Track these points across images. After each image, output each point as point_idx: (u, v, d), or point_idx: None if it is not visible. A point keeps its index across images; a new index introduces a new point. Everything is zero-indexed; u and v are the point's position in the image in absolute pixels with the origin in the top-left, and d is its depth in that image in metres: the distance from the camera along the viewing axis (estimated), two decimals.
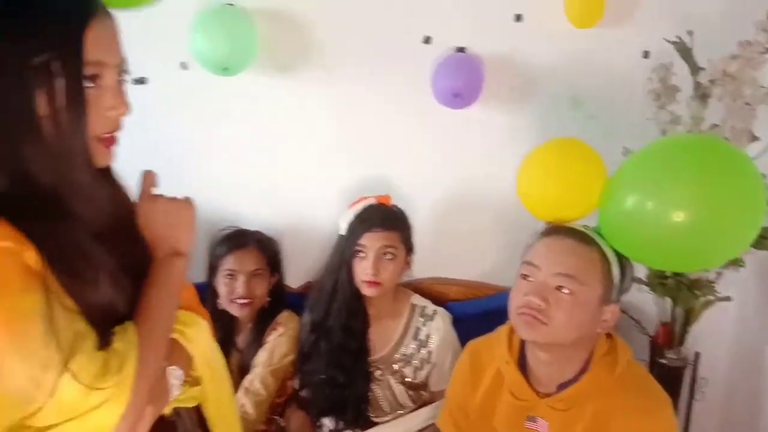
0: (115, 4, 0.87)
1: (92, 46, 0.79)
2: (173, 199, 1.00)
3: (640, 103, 1.72)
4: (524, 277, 1.25)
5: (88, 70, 0.79)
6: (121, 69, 0.85)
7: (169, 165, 1.86)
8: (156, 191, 1.00)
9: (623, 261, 1.26)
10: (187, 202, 1.01)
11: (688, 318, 1.70)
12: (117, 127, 0.87)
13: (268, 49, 1.82)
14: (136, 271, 0.93)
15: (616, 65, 1.75)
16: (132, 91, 1.89)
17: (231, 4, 1.78)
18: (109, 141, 0.86)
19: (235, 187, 1.98)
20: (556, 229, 1.29)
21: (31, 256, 0.76)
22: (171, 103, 1.90)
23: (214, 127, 1.92)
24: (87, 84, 0.79)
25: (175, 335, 0.98)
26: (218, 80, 1.79)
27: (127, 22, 1.78)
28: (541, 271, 1.22)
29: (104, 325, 0.83)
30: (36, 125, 0.77)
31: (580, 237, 1.24)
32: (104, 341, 0.82)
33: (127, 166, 1.97)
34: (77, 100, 0.79)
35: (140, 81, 1.85)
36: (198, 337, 1.02)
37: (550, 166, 1.32)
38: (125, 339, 0.84)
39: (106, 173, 0.93)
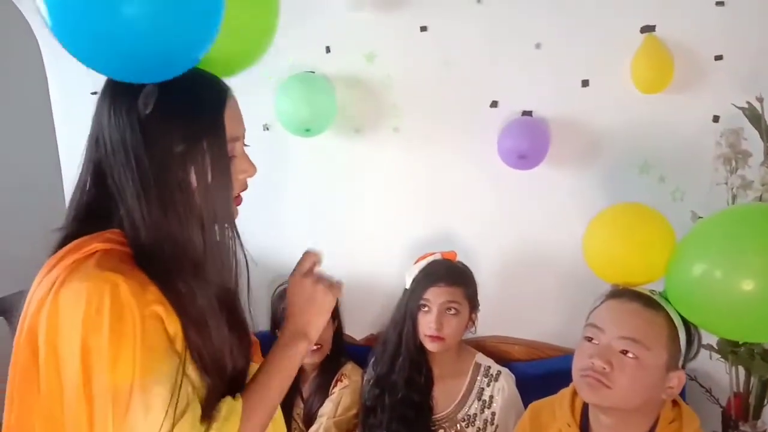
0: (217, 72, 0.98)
1: (228, 125, 0.92)
2: (319, 283, 1.05)
3: (709, 169, 1.71)
4: (588, 339, 1.26)
5: (229, 145, 0.92)
6: (244, 137, 0.99)
7: (241, 215, 2.03)
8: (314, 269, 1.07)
9: (690, 327, 1.25)
10: (331, 289, 1.06)
11: (764, 389, 1.63)
12: (245, 187, 1.00)
13: (345, 113, 1.93)
14: (239, 336, 1.00)
15: (684, 130, 1.76)
16: None
17: (312, 72, 1.91)
18: (238, 199, 0.99)
19: (305, 238, 2.06)
20: (622, 292, 1.29)
21: (172, 322, 0.86)
22: (254, 160, 2.02)
23: (291, 182, 2.03)
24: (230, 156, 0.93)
25: None
26: (297, 141, 1.91)
27: None
28: (605, 333, 1.23)
29: (215, 389, 0.91)
30: (191, 196, 0.89)
31: (646, 301, 1.24)
32: (208, 411, 0.88)
33: None
34: (225, 173, 0.91)
35: None
36: None
37: (618, 229, 1.33)
38: (226, 416, 0.89)
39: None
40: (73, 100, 2.13)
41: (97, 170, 0.92)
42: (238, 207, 0.99)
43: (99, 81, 1.91)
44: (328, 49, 1.92)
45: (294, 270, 1.07)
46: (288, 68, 1.93)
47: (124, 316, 0.82)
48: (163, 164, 0.88)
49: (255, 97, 1.95)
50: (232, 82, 1.93)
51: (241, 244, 1.00)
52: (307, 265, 1.08)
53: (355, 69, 1.92)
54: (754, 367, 1.59)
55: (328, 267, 1.98)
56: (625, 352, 1.20)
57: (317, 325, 1.04)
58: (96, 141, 0.92)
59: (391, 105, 1.93)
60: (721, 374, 1.68)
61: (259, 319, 1.96)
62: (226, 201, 0.93)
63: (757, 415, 1.64)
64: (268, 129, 2.00)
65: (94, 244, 0.88)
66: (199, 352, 0.89)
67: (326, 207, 2.03)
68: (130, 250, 0.89)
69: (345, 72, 1.92)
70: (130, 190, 0.88)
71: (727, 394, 1.69)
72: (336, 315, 1.93)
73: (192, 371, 0.88)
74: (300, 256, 1.98)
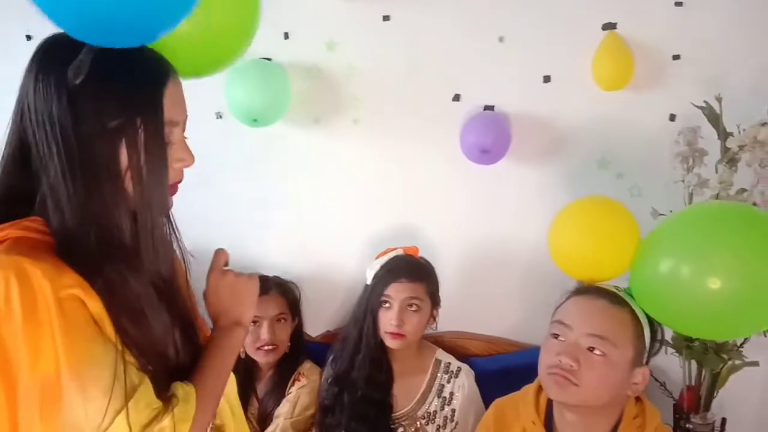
0: (183, 74, 0.93)
1: (167, 106, 0.86)
2: (240, 275, 1.05)
3: (666, 166, 1.74)
4: (555, 336, 1.25)
5: (166, 129, 0.86)
6: (185, 125, 0.92)
7: (194, 208, 1.95)
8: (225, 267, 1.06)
9: (654, 324, 1.26)
10: (252, 279, 1.07)
11: (715, 382, 1.67)
12: (181, 177, 0.93)
13: (303, 102, 1.87)
14: (181, 324, 0.96)
15: (642, 127, 1.78)
16: None
17: (268, 59, 1.84)
18: (173, 189, 0.92)
19: (259, 232, 2.00)
20: (588, 289, 1.29)
21: (95, 305, 0.79)
22: (204, 150, 1.93)
23: (243, 174, 1.96)
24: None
25: None
26: (251, 130, 1.84)
27: None
28: (572, 331, 1.22)
29: (158, 377, 0.85)
30: (121, 178, 0.83)
31: (613, 298, 1.24)
32: (160, 395, 0.84)
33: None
34: (160, 155, 0.85)
35: None
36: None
37: (584, 224, 1.33)
38: (185, 398, 0.86)
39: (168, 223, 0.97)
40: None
41: (20, 147, 0.84)
42: (173, 197, 0.93)
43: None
44: (286, 36, 1.85)
45: (211, 269, 1.05)
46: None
47: (37, 301, 0.75)
48: (91, 140, 0.81)
49: (209, 82, 1.87)
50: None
51: (177, 234, 0.97)
52: (221, 262, 1.06)
53: (314, 57, 1.86)
54: (706, 361, 1.62)
55: (284, 262, 1.95)
56: (592, 349, 1.20)
57: (248, 313, 1.04)
58: (20, 115, 0.84)
59: (352, 96, 1.88)
60: (674, 368, 1.72)
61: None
62: (160, 186, 0.87)
63: (707, 407, 1.69)
64: (221, 117, 1.92)
65: (7, 230, 0.81)
66: (136, 341, 0.83)
67: (283, 199, 1.97)
68: (51, 239, 0.82)
69: (304, 60, 1.86)
70: (54, 167, 0.81)
71: (679, 387, 1.73)
72: (296, 313, 1.88)
73: (130, 360, 0.82)
74: (253, 249, 1.95)
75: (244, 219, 1.99)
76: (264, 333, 1.77)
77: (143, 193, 0.84)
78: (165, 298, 0.91)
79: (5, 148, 0.86)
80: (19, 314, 0.75)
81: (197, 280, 1.99)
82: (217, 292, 1.03)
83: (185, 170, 0.94)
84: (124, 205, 0.84)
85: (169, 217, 0.94)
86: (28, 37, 1.90)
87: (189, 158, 0.93)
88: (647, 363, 1.25)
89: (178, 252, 0.98)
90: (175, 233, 0.96)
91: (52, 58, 0.82)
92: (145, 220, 0.86)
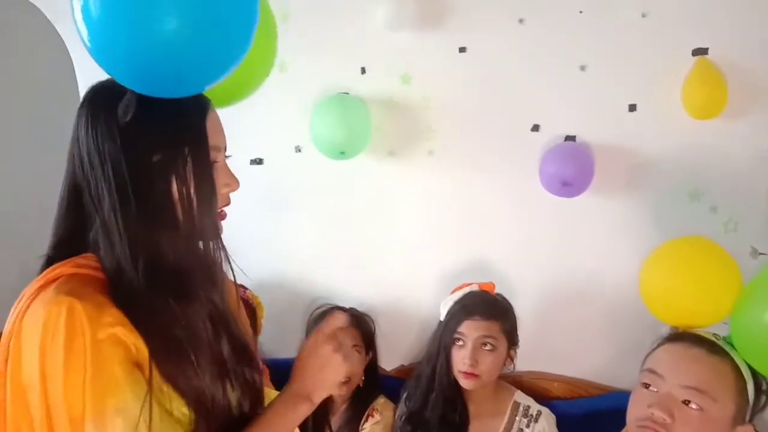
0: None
1: (210, 134, 0.88)
2: (340, 351, 0.97)
3: (765, 199, 1.62)
4: (645, 386, 1.17)
5: (210, 154, 0.88)
6: (225, 150, 0.95)
7: (275, 238, 1.98)
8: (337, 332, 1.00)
9: (758, 376, 1.16)
10: (348, 359, 0.98)
11: None
12: (228, 202, 0.95)
13: (379, 134, 1.87)
14: (239, 357, 0.94)
15: (738, 158, 1.67)
16: (251, 170, 2.00)
17: (347, 93, 1.85)
18: (222, 213, 0.94)
19: (337, 264, 2.00)
20: (683, 336, 1.20)
21: (137, 343, 0.80)
22: (282, 182, 1.97)
23: (319, 207, 1.97)
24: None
25: None
26: (329, 163, 1.85)
27: (249, 108, 1.91)
28: (665, 381, 1.14)
29: (209, 419, 0.84)
30: (173, 208, 0.84)
31: (711, 347, 1.15)
32: None
33: (239, 236, 2.07)
34: (209, 183, 0.87)
35: (257, 161, 1.96)
36: None
37: (680, 267, 1.24)
38: None
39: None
40: None
41: (74, 190, 0.88)
42: (222, 222, 0.94)
43: None
44: (363, 70, 1.86)
45: (323, 327, 0.99)
46: (323, 89, 1.87)
47: (76, 340, 0.77)
48: (142, 173, 0.83)
49: (287, 117, 1.92)
50: (269, 101, 1.88)
51: (229, 259, 0.95)
52: (333, 326, 1.00)
53: (390, 90, 1.85)
54: None
55: (359, 294, 1.94)
56: (687, 403, 1.11)
57: (323, 392, 0.97)
58: (73, 158, 0.87)
59: (427, 127, 1.86)
60: None
61: (293, 344, 1.92)
62: (210, 212, 0.88)
63: None
64: (300, 151, 1.94)
65: (61, 269, 0.83)
66: (175, 383, 0.82)
67: (358, 231, 1.96)
68: (102, 275, 0.84)
69: (380, 93, 1.86)
70: (107, 203, 0.83)
71: None
72: (371, 347, 1.86)
73: (177, 404, 0.82)
74: (328, 280, 1.95)
75: (318, 250, 1.99)
76: None
77: (195, 220, 0.86)
78: (223, 330, 0.91)
79: (61, 195, 0.89)
80: (61, 349, 0.77)
81: (292, 313, 2.00)
82: (310, 353, 0.97)
83: (258, 201, 0.97)
84: (177, 234, 0.85)
85: (219, 239, 0.92)
86: None
87: (234, 183, 0.95)
88: (751, 420, 1.14)
89: (230, 276, 0.98)
90: (228, 259, 0.95)
91: (99, 102, 0.86)
92: (197, 248, 0.88)
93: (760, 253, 1.45)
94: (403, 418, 1.71)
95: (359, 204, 1.94)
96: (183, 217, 0.85)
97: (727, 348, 1.15)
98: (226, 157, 0.96)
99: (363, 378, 1.82)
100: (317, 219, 1.98)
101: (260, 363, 1.16)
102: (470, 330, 1.63)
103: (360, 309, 1.92)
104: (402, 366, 1.98)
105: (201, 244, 0.89)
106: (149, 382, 0.80)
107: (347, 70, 1.86)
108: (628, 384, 1.61)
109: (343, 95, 1.85)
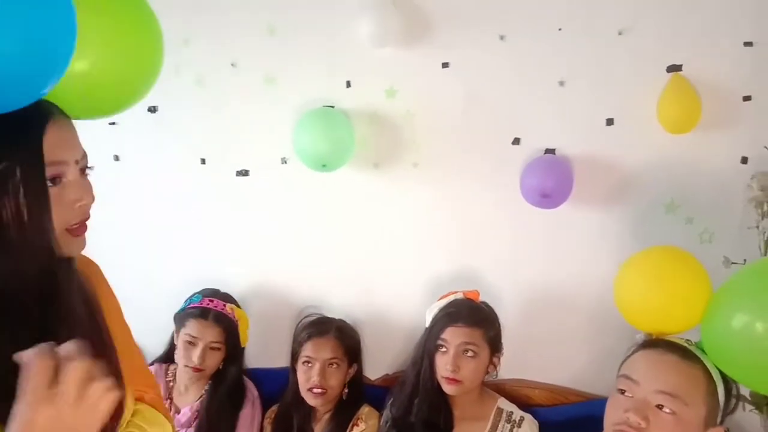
0: (78, 115, 0.94)
1: (52, 149, 0.84)
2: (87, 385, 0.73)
3: (739, 211, 1.68)
4: (621, 391, 1.21)
5: (50, 171, 0.84)
6: (83, 163, 0.91)
7: (263, 248, 2.00)
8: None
9: (729, 380, 1.20)
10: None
11: None
12: (86, 215, 0.92)
13: (364, 147, 1.90)
14: None
15: (712, 170, 1.72)
16: (236, 182, 2.01)
17: (332, 106, 1.89)
18: (79, 229, 0.91)
19: (325, 274, 2.02)
20: (657, 343, 1.24)
21: None
22: (270, 194, 2.00)
23: (308, 217, 2.00)
24: (50, 184, 0.85)
25: (135, 430, 0.98)
26: (314, 174, 1.88)
27: (235, 120, 1.93)
28: (640, 387, 1.18)
29: None
30: (2, 229, 0.81)
31: (683, 353, 1.19)
32: None
33: (226, 246, 2.06)
34: (40, 201, 0.83)
35: (243, 173, 1.98)
36: None
37: (652, 275, 1.29)
38: None
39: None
40: (96, 166, 2.04)
41: None
42: (81, 237, 0.91)
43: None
44: (348, 84, 1.89)
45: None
46: (309, 102, 1.90)
47: None
48: None
49: (273, 129, 1.95)
50: (254, 113, 1.90)
51: (72, 277, 0.91)
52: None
53: (375, 104, 1.89)
54: None
55: (344, 304, 1.97)
56: (661, 407, 1.15)
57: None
58: None
59: (411, 140, 1.89)
60: (754, 426, 1.62)
61: (280, 353, 1.94)
62: (44, 232, 0.83)
63: None
64: (285, 162, 1.97)
65: None
66: None
67: (344, 242, 1.98)
68: None
69: (365, 107, 1.89)
70: None
71: None
72: (355, 359, 1.88)
73: None
74: (314, 290, 1.97)
75: (305, 261, 2.02)
76: (314, 375, 1.77)
77: (27, 241, 0.82)
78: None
79: None
80: None
81: (281, 321, 1.99)
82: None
83: (244, 212, 0.92)
84: (6, 256, 0.81)
85: (54, 257, 0.86)
86: None
87: (86, 196, 0.91)
88: (722, 422, 1.18)
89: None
90: (69, 273, 0.91)
91: None
92: (31, 270, 0.84)
93: (732, 263, 1.50)
94: (388, 423, 1.73)
95: (346, 215, 1.97)
96: (14, 237, 0.81)
97: (699, 353, 1.20)
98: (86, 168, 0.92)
99: (346, 390, 1.84)
100: (304, 230, 2.00)
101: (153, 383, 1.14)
102: (453, 336, 1.66)
103: (345, 318, 1.94)
104: (387, 375, 2.01)
105: (32, 262, 0.84)
106: None
107: (333, 84, 1.89)
108: (607, 391, 1.64)
109: (327, 108, 1.88)
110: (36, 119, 0.85)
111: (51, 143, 0.85)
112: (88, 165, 0.94)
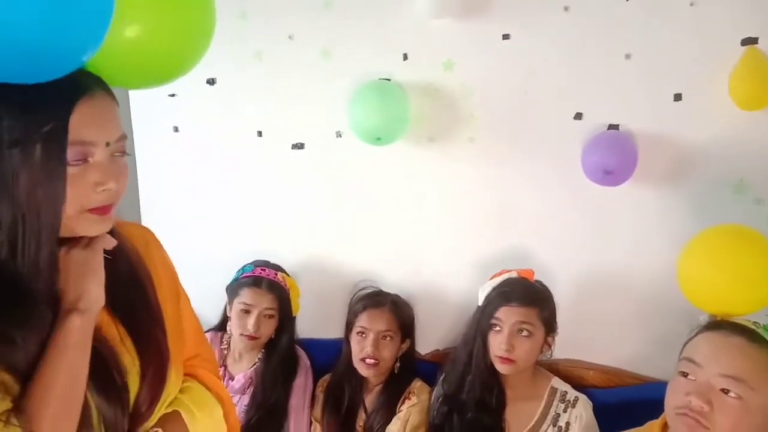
0: (129, 84, 0.90)
1: (79, 127, 0.81)
2: (92, 242, 0.88)
3: None
4: (683, 374, 1.17)
5: (73, 150, 0.81)
6: (118, 146, 0.87)
7: (316, 222, 2.02)
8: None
9: None
10: (95, 247, 0.88)
11: None
12: (110, 200, 0.86)
13: (420, 121, 1.88)
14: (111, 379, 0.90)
15: None
16: (292, 155, 2.02)
17: (388, 79, 1.87)
18: (103, 210, 0.86)
19: (377, 248, 2.02)
20: (721, 324, 1.20)
21: None
22: (325, 167, 2.01)
23: (362, 191, 2.00)
24: (73, 162, 0.81)
25: (182, 409, 0.99)
26: (369, 149, 1.88)
27: (292, 93, 1.92)
28: (703, 369, 1.14)
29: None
30: (14, 196, 0.79)
31: (750, 335, 1.15)
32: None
33: (281, 219, 2.09)
34: (55, 181, 0.80)
35: (299, 146, 1.99)
36: (203, 422, 1.01)
37: (719, 254, 1.24)
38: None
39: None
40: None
41: None
42: (106, 216, 0.87)
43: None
44: (405, 57, 1.87)
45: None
46: (365, 75, 1.89)
47: None
48: None
49: (329, 103, 1.95)
50: (309, 85, 1.91)
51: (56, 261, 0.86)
52: (100, 243, 0.89)
53: (432, 77, 1.86)
54: None
55: (397, 279, 1.97)
56: (726, 392, 1.11)
57: (89, 292, 0.85)
58: None
59: (468, 114, 1.86)
60: None
61: (335, 325, 1.97)
62: (54, 209, 0.81)
63: None
64: (340, 136, 1.97)
65: None
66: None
67: (397, 217, 1.98)
68: None
69: (422, 80, 1.87)
70: None
71: None
72: (408, 334, 1.88)
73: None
74: (368, 265, 1.99)
75: (359, 235, 2.03)
76: (368, 345, 1.79)
77: (37, 213, 0.80)
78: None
79: None
80: None
81: (335, 293, 2.00)
82: (64, 268, 0.86)
83: (299, 185, 0.90)
84: (16, 236, 0.80)
85: (54, 238, 0.84)
86: None
87: (111, 182, 0.85)
88: None
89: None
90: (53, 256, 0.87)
91: None
92: (29, 252, 0.81)
93: None
94: (440, 399, 1.74)
95: (400, 189, 1.96)
96: (26, 207, 0.80)
97: (767, 336, 1.15)
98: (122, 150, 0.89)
99: (398, 364, 1.85)
100: (357, 204, 2.01)
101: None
102: (507, 315, 1.64)
103: (397, 292, 1.94)
104: (437, 351, 2.01)
105: (38, 236, 0.82)
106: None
107: (389, 57, 1.88)
108: (663, 374, 1.61)
109: (382, 81, 1.87)
110: (68, 94, 0.81)
111: (79, 121, 0.81)
112: (125, 150, 0.89)
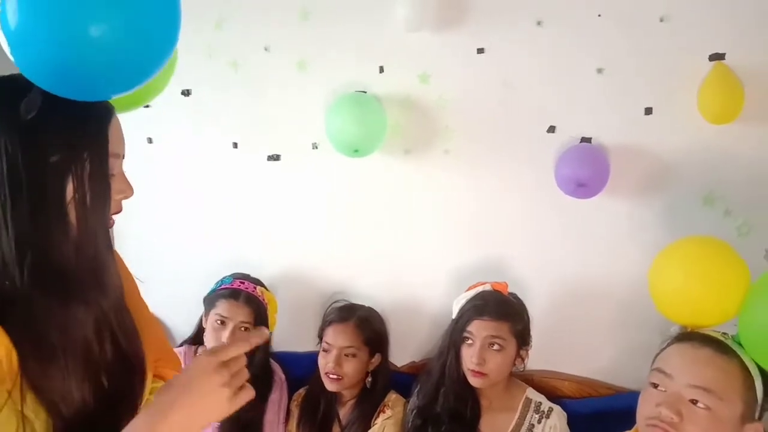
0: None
1: (111, 141, 0.90)
2: (230, 385, 0.85)
3: None
4: (654, 385, 1.18)
5: (110, 161, 0.89)
6: (123, 159, 0.96)
7: (292, 233, 2.01)
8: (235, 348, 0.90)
9: (766, 375, 1.17)
10: (234, 399, 0.86)
11: None
12: (120, 209, 0.96)
13: (396, 133, 1.89)
14: (120, 371, 0.94)
15: (753, 162, 1.67)
16: (268, 166, 2.01)
17: (364, 91, 1.88)
18: (110, 223, 0.93)
19: (353, 261, 2.02)
20: (692, 335, 1.22)
21: (8, 350, 0.78)
22: (301, 179, 2.00)
23: (338, 203, 2.00)
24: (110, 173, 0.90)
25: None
26: (345, 161, 1.88)
27: (268, 105, 1.91)
28: (673, 380, 1.15)
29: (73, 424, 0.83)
30: (65, 209, 0.85)
31: (719, 346, 1.16)
32: None
33: (256, 231, 2.06)
34: (104, 188, 0.88)
35: (275, 158, 1.99)
36: None
37: (689, 266, 1.25)
38: None
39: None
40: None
41: None
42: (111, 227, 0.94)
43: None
44: (381, 69, 1.88)
45: (215, 349, 0.88)
46: (340, 87, 1.90)
47: None
48: (38, 172, 0.82)
49: (305, 114, 1.95)
50: (286, 99, 1.90)
51: (115, 264, 0.95)
52: (233, 352, 0.88)
53: (408, 89, 1.87)
54: None
55: (372, 291, 1.96)
56: (695, 402, 1.12)
57: (181, 423, 0.81)
58: None
59: (444, 127, 1.87)
60: None
61: (307, 337, 1.95)
62: (103, 218, 0.89)
63: None
64: (316, 148, 1.97)
65: None
66: (38, 388, 0.80)
67: (373, 228, 1.98)
68: None
69: (397, 92, 1.88)
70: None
71: None
72: (378, 348, 1.86)
73: (31, 403, 0.80)
74: (341, 276, 1.98)
75: (333, 247, 2.02)
76: (330, 361, 1.78)
77: (87, 225, 0.86)
78: (107, 336, 0.91)
79: None
80: None
81: (309, 306, 2.00)
82: (195, 373, 0.84)
83: (274, 197, 0.96)
84: (66, 237, 0.85)
85: (109, 245, 0.93)
86: None
87: (129, 189, 0.96)
88: (761, 418, 1.15)
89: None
90: (113, 261, 0.95)
91: (2, 96, 0.84)
92: (88, 251, 0.87)
93: None
94: (414, 411, 1.73)
95: (376, 201, 1.96)
96: (75, 220, 0.86)
97: (735, 347, 1.16)
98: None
99: (369, 378, 1.83)
100: (333, 215, 2.00)
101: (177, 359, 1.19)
102: (479, 329, 1.64)
103: (372, 305, 1.94)
104: (413, 362, 2.01)
105: (92, 246, 0.88)
106: (16, 386, 0.78)
107: (365, 69, 1.88)
108: (637, 384, 1.62)
109: (359, 94, 1.87)
110: (103, 110, 0.90)
111: (113, 136, 0.90)
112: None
